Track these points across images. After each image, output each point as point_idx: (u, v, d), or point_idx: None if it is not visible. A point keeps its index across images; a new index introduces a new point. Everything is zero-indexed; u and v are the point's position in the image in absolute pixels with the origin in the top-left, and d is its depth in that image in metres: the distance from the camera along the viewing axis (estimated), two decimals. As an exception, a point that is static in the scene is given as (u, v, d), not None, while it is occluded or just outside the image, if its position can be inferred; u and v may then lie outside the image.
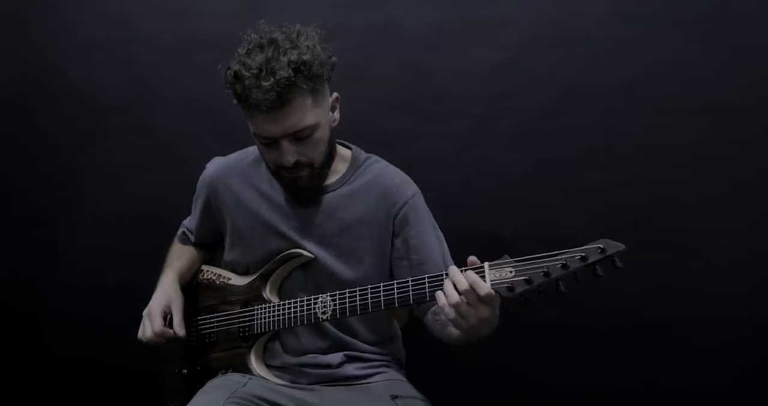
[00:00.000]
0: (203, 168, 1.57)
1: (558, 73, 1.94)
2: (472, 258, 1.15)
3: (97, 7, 2.17)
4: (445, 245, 1.45)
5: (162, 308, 1.44)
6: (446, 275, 1.15)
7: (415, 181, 1.51)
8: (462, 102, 1.99)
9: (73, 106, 2.20)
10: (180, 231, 1.65)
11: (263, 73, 1.21)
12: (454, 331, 1.22)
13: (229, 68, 1.27)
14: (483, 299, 1.10)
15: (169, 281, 1.51)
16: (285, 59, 1.22)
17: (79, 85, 2.19)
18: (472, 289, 1.10)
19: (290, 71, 1.21)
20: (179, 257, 1.59)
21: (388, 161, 1.53)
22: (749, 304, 1.85)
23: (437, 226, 1.48)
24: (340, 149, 1.46)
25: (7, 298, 2.25)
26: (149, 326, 1.41)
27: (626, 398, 1.92)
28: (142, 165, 2.18)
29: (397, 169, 1.50)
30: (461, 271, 1.13)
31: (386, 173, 1.47)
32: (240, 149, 1.56)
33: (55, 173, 2.23)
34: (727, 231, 1.85)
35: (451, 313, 1.12)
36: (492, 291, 1.09)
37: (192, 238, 1.61)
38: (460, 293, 1.11)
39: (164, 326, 1.41)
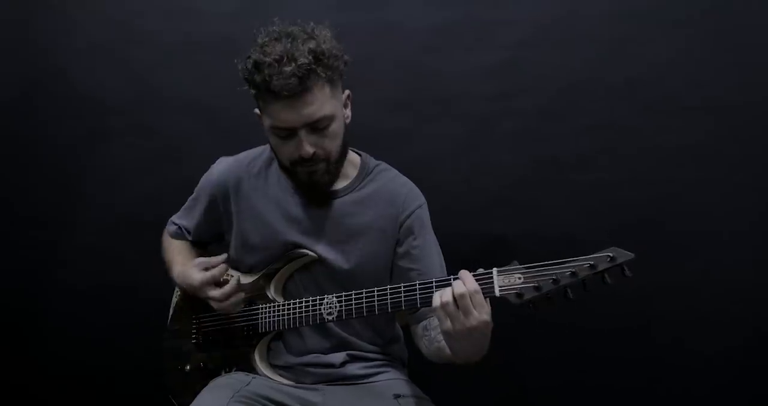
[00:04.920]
0: (203, 169, 1.56)
1: (559, 73, 1.95)
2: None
3: (98, 9, 2.16)
4: (442, 258, 1.47)
5: (202, 273, 1.38)
6: (454, 279, 1.17)
7: (416, 182, 1.51)
8: (463, 103, 2.00)
9: (74, 107, 2.19)
10: (172, 228, 1.61)
11: (284, 59, 1.23)
12: (445, 349, 1.26)
13: (248, 58, 1.28)
14: (475, 304, 1.12)
15: (180, 269, 1.47)
16: (304, 48, 1.24)
17: (79, 86, 2.18)
18: (471, 294, 1.12)
19: (310, 58, 1.23)
20: (179, 252, 1.56)
21: (389, 162, 1.54)
22: (751, 305, 1.86)
23: (436, 240, 1.49)
24: (350, 155, 1.46)
25: (7, 299, 2.24)
26: (214, 291, 1.36)
27: (628, 400, 1.93)
28: (143, 166, 2.17)
29: (406, 179, 1.51)
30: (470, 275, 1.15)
31: (395, 182, 1.48)
32: (241, 151, 1.56)
33: (55, 175, 2.22)
34: (729, 231, 1.86)
35: (441, 314, 1.14)
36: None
37: (188, 236, 1.59)
38: (455, 298, 1.12)
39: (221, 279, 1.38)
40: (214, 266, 1.39)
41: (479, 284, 1.14)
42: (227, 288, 1.36)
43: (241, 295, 1.39)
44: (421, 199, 1.48)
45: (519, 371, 1.98)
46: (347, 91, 1.39)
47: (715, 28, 1.87)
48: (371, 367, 1.45)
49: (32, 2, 2.19)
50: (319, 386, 1.41)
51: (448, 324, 1.14)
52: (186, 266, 1.45)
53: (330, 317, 1.33)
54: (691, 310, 1.88)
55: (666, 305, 1.89)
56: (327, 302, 1.33)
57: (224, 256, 1.43)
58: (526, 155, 1.97)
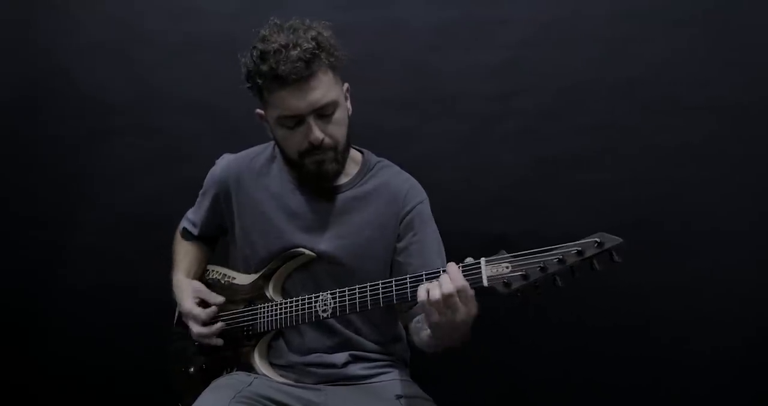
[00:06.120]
0: (204, 169, 1.57)
1: (561, 73, 1.95)
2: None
3: (100, 9, 2.18)
4: (444, 254, 1.46)
5: (194, 302, 1.48)
6: (443, 271, 1.16)
7: (418, 180, 1.51)
8: (465, 102, 2.00)
9: (76, 107, 2.20)
10: (182, 226, 1.64)
11: (289, 45, 1.26)
12: (426, 334, 1.28)
13: (253, 48, 1.30)
14: (462, 299, 1.12)
15: (181, 279, 1.55)
16: (306, 35, 1.28)
17: (80, 86, 2.19)
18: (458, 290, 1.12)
19: (313, 44, 1.28)
20: (185, 256, 1.60)
21: (391, 161, 1.54)
22: (752, 305, 1.85)
23: (440, 236, 1.48)
24: (352, 152, 1.47)
25: (7, 299, 2.25)
26: (196, 324, 1.46)
27: (628, 398, 1.92)
28: (145, 166, 2.18)
29: (408, 175, 1.51)
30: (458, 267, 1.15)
31: (398, 178, 1.49)
32: (241, 150, 1.56)
33: (56, 175, 2.23)
34: (731, 231, 1.85)
35: (429, 309, 1.14)
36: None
37: (195, 231, 1.61)
38: (444, 297, 1.12)
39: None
40: (208, 303, 1.47)
41: (468, 276, 1.13)
42: (208, 316, 1.45)
43: (218, 326, 1.45)
44: (423, 195, 1.49)
45: (521, 372, 1.97)
46: (346, 84, 1.40)
47: (717, 28, 1.87)
48: (373, 367, 1.44)
49: (33, 2, 2.21)
50: (321, 386, 1.40)
51: (435, 317, 1.15)
52: (183, 281, 1.53)
53: (325, 314, 1.33)
54: (691, 309, 1.87)
55: (666, 305, 1.89)
56: (322, 299, 1.33)
57: (222, 299, 1.47)
58: (527, 155, 1.97)
